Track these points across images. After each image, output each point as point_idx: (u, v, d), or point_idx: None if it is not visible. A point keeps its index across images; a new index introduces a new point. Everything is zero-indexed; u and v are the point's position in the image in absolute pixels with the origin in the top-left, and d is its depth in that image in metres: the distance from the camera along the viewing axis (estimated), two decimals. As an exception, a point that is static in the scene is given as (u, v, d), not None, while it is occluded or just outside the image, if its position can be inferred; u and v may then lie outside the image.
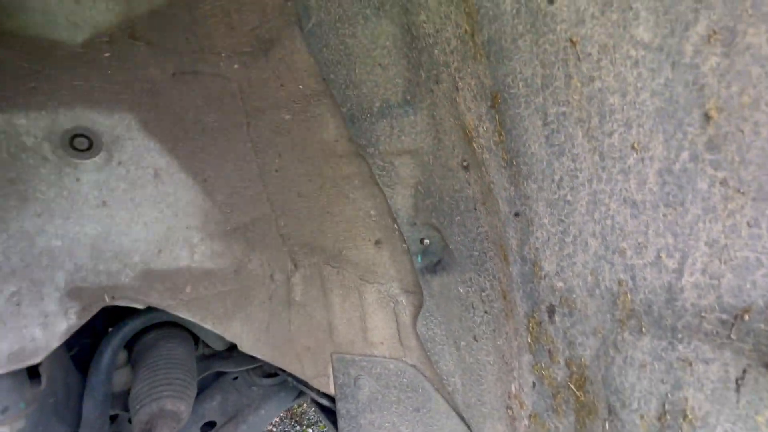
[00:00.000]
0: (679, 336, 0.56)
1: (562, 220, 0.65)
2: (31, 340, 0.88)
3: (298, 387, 1.43)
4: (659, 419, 0.60)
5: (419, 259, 1.07)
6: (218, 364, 1.58)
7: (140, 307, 1.06)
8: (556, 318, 0.72)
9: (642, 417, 0.62)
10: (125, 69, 0.89)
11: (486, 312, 0.93)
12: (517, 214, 0.72)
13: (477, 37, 0.64)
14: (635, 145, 0.53)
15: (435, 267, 1.05)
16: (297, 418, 3.08)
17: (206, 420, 1.49)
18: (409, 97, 0.84)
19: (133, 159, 0.94)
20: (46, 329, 0.90)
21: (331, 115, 0.96)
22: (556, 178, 0.63)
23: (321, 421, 3.06)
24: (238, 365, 1.57)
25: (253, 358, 1.55)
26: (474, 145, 0.75)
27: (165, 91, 0.94)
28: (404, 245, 1.09)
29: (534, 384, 0.83)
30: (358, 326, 1.26)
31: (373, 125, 0.90)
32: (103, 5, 0.83)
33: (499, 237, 0.81)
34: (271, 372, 1.65)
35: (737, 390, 0.52)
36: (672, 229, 0.52)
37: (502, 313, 0.88)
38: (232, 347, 1.64)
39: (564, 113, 0.59)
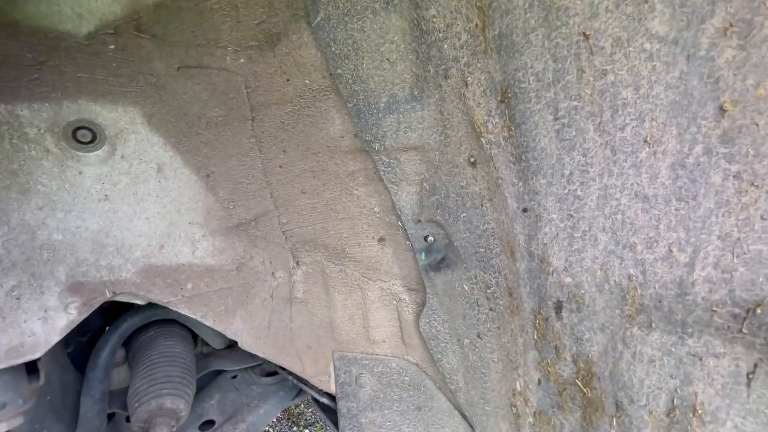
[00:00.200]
0: (690, 331, 0.56)
1: (572, 215, 0.65)
2: (30, 335, 0.87)
3: (298, 386, 1.42)
4: (668, 414, 0.60)
5: (423, 256, 1.06)
6: (217, 362, 1.57)
7: (141, 302, 1.05)
8: (564, 314, 0.72)
9: (651, 413, 0.62)
10: (130, 62, 0.88)
11: (491, 309, 0.93)
12: (525, 210, 0.72)
13: (488, 32, 0.64)
14: (648, 139, 0.53)
15: (439, 264, 1.04)
16: (294, 419, 3.06)
17: (205, 419, 1.48)
18: (416, 93, 0.84)
19: (136, 153, 0.93)
20: (46, 324, 0.88)
21: (336, 110, 0.96)
22: (566, 173, 0.63)
23: (318, 422, 3.04)
24: (237, 364, 1.56)
25: (252, 357, 1.54)
26: (482, 140, 0.75)
27: (170, 85, 0.93)
28: (408, 243, 1.09)
29: (539, 381, 0.83)
30: (360, 324, 1.25)
31: (379, 121, 0.90)
32: (109, -4, 0.83)
33: (506, 233, 0.80)
34: (270, 371, 1.64)
35: (748, 384, 0.52)
36: (684, 223, 0.52)
37: (507, 310, 0.88)
38: (231, 346, 1.63)
39: (575, 107, 0.59)
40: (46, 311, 0.88)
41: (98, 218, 0.92)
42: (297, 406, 3.21)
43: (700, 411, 0.56)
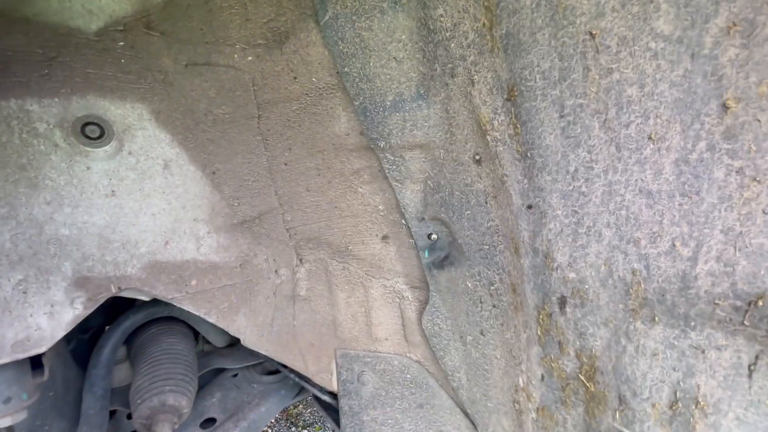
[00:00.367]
0: (692, 324, 0.57)
1: (576, 212, 0.66)
2: (36, 329, 0.87)
3: (300, 384, 1.42)
4: (671, 407, 0.61)
5: (426, 254, 1.07)
6: (218, 360, 1.57)
7: (145, 298, 1.06)
8: (567, 309, 0.73)
9: (654, 405, 0.63)
10: (139, 59, 0.89)
11: (494, 306, 0.94)
12: (530, 207, 0.73)
13: (495, 31, 0.66)
14: (652, 136, 0.54)
15: (442, 262, 1.05)
16: (293, 419, 3.05)
17: (206, 417, 1.48)
18: (422, 91, 0.85)
19: (143, 149, 0.94)
20: (52, 318, 0.89)
21: (343, 108, 0.97)
22: (571, 169, 0.64)
23: (317, 423, 3.04)
24: (238, 362, 1.56)
25: (253, 355, 1.55)
26: (488, 138, 0.76)
27: (177, 82, 0.94)
28: (411, 240, 1.10)
29: (543, 376, 0.84)
30: (363, 322, 1.26)
31: (385, 119, 0.91)
32: (119, -6, 0.84)
33: (510, 230, 0.82)
34: (271, 369, 1.64)
35: (749, 376, 0.53)
36: (687, 217, 0.54)
37: (510, 306, 0.89)
38: (233, 344, 1.63)
39: (581, 105, 0.60)
40: (52, 306, 0.89)
41: (105, 213, 0.93)
42: (296, 406, 3.20)
43: (702, 403, 0.57)
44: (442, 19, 0.73)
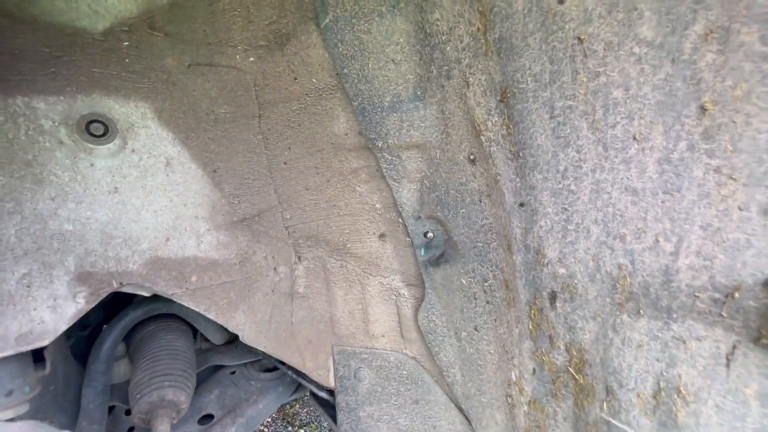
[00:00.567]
0: (674, 316, 0.60)
1: (566, 209, 0.69)
2: (40, 323, 0.89)
3: (298, 380, 1.44)
4: (655, 396, 0.64)
5: (422, 252, 1.10)
6: (216, 357, 1.59)
7: (146, 294, 1.07)
8: (558, 304, 0.76)
9: (638, 395, 0.66)
10: (143, 59, 0.92)
11: (488, 302, 0.96)
12: (522, 204, 0.76)
13: (489, 35, 0.68)
14: (636, 136, 0.57)
15: (438, 260, 1.08)
16: (289, 419, 3.06)
17: (204, 413, 1.49)
18: (419, 92, 0.88)
19: (146, 147, 0.96)
20: (55, 312, 0.90)
21: (342, 108, 0.99)
22: (561, 168, 0.67)
23: (313, 422, 3.05)
24: (236, 359, 1.58)
25: (251, 353, 1.57)
26: (482, 138, 0.79)
27: (180, 82, 0.96)
28: (407, 239, 1.12)
29: (534, 370, 0.86)
30: (360, 319, 1.28)
31: (383, 119, 0.93)
32: (125, -5, 0.86)
33: (503, 227, 0.84)
34: (269, 367, 1.66)
35: (727, 365, 0.56)
36: (669, 214, 0.57)
37: (503, 302, 0.92)
38: (230, 342, 1.65)
39: (570, 107, 0.63)
40: (55, 300, 0.90)
41: (108, 210, 0.94)
42: (292, 406, 3.21)
43: (683, 392, 0.60)
44: (438, 23, 0.76)
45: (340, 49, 0.89)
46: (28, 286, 0.87)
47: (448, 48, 0.76)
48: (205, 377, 1.64)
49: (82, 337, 1.47)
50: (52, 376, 1.11)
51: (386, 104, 0.92)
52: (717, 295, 0.54)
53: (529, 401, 0.90)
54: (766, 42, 0.45)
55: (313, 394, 1.51)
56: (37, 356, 1.01)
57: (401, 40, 0.83)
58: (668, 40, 0.51)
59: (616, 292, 0.66)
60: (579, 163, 0.65)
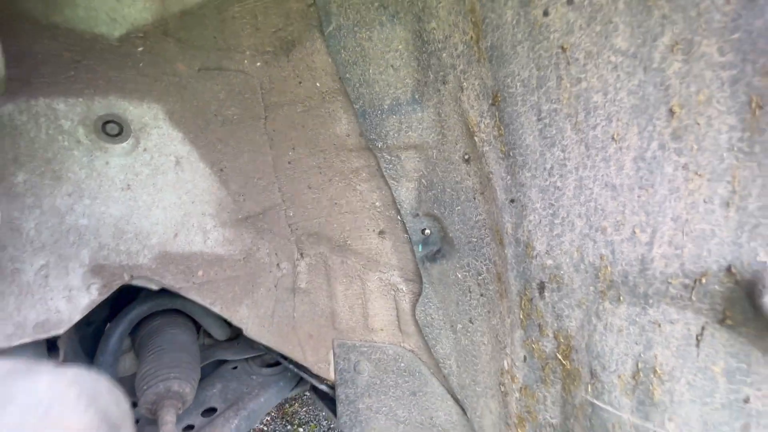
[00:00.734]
0: (650, 301, 0.65)
1: (552, 204, 0.74)
2: (56, 312, 0.93)
3: (299, 374, 1.48)
4: (634, 377, 0.69)
5: (420, 248, 1.15)
6: (219, 353, 1.63)
7: (155, 288, 1.12)
8: (546, 293, 0.81)
9: (619, 377, 0.71)
10: (156, 63, 0.97)
11: (482, 294, 1.02)
12: (512, 201, 0.81)
13: (481, 43, 0.74)
14: (615, 137, 0.63)
15: (434, 255, 1.13)
16: (288, 418, 3.09)
17: (207, 406, 1.53)
18: (417, 96, 0.93)
19: (157, 146, 1.01)
20: (70, 302, 0.95)
21: (344, 111, 1.05)
22: (548, 166, 0.73)
23: (312, 421, 3.08)
24: (238, 355, 1.62)
25: (253, 348, 1.61)
26: (475, 139, 0.84)
27: (191, 85, 1.02)
28: (406, 235, 1.17)
29: (525, 358, 0.91)
30: (360, 313, 1.33)
31: (383, 121, 0.99)
32: (141, 4, 0.91)
33: (495, 223, 0.90)
34: (270, 362, 1.70)
35: (697, 345, 0.61)
36: (645, 207, 0.62)
37: (496, 294, 0.97)
38: (232, 338, 1.69)
39: (555, 110, 0.68)
40: (70, 290, 0.95)
41: (120, 206, 0.99)
42: (291, 405, 3.24)
43: (659, 372, 0.65)
44: (434, 31, 0.81)
45: (343, 56, 0.95)
46: (45, 277, 0.92)
47: (444, 55, 0.82)
48: (207, 372, 1.68)
49: (87, 333, 1.51)
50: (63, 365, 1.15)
51: (386, 107, 0.97)
52: (687, 281, 0.60)
53: (521, 388, 0.95)
54: (724, 53, 0.51)
55: (313, 388, 1.55)
56: (51, 346, 1.05)
57: (400, 47, 0.89)
58: (640, 50, 0.57)
59: (598, 281, 0.71)
60: (564, 162, 0.70)
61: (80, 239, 0.95)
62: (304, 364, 1.37)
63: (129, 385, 1.40)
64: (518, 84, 0.72)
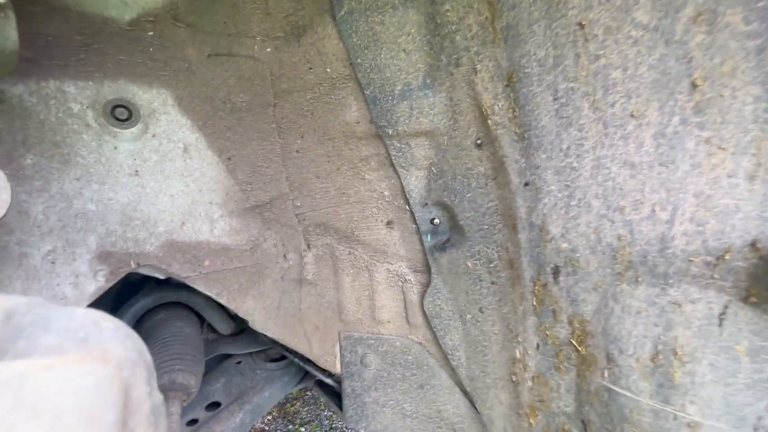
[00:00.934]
0: (670, 281, 0.64)
1: (568, 186, 0.73)
2: (62, 298, 0.92)
3: (304, 367, 1.47)
4: (652, 360, 0.68)
5: (429, 238, 1.14)
6: (223, 347, 1.61)
7: (161, 276, 1.11)
8: (561, 278, 0.80)
9: (638, 360, 0.70)
10: (165, 48, 0.96)
11: (493, 282, 1.01)
12: (527, 184, 0.81)
13: (496, 23, 0.74)
14: (634, 113, 0.62)
15: (444, 245, 1.12)
16: (290, 417, 3.07)
17: (211, 400, 1.52)
18: (429, 81, 0.93)
19: (166, 132, 1.01)
20: (77, 289, 0.94)
21: (354, 97, 1.04)
22: (564, 147, 0.72)
23: (314, 421, 3.06)
24: (242, 349, 1.61)
25: (257, 343, 1.59)
26: (489, 122, 0.84)
27: (200, 71, 1.01)
28: (414, 225, 1.17)
29: (538, 345, 0.90)
30: (367, 305, 1.32)
31: (394, 107, 0.98)
32: (151, -12, 0.91)
33: (508, 208, 0.89)
34: (275, 357, 1.69)
35: (720, 324, 0.60)
36: (665, 185, 0.61)
37: (508, 281, 0.96)
38: (236, 332, 1.67)
39: (572, 88, 0.68)
40: (77, 277, 0.94)
41: (128, 192, 0.98)
42: (293, 404, 3.22)
43: (680, 353, 0.64)
44: (448, 13, 0.81)
45: (354, 40, 0.94)
46: (52, 263, 0.91)
47: (458, 37, 0.81)
48: (211, 367, 1.66)
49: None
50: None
51: (397, 92, 0.97)
52: (709, 259, 0.59)
53: (533, 376, 0.93)
54: (749, 22, 0.50)
55: (318, 382, 1.53)
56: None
57: (413, 30, 0.89)
58: (662, 23, 0.56)
59: (616, 262, 0.70)
60: (581, 141, 0.69)
61: (88, 225, 0.94)
62: (310, 357, 1.36)
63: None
64: (534, 64, 0.71)
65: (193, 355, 1.34)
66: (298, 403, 3.21)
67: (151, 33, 0.94)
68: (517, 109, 0.77)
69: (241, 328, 1.62)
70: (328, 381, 1.45)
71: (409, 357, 1.29)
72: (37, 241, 0.89)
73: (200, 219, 1.10)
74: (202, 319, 1.59)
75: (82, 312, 0.24)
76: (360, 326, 1.34)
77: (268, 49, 1.02)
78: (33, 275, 0.89)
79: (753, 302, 0.57)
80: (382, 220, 1.21)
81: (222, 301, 1.17)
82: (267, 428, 3.04)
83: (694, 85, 0.56)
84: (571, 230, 0.75)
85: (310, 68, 1.03)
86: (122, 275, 1.00)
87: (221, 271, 1.17)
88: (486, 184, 0.93)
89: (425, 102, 0.95)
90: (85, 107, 0.90)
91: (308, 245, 1.31)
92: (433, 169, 1.05)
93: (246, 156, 1.14)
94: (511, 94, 0.77)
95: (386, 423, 1.36)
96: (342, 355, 1.37)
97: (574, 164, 0.71)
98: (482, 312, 1.06)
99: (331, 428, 3.02)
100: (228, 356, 1.70)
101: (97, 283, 0.97)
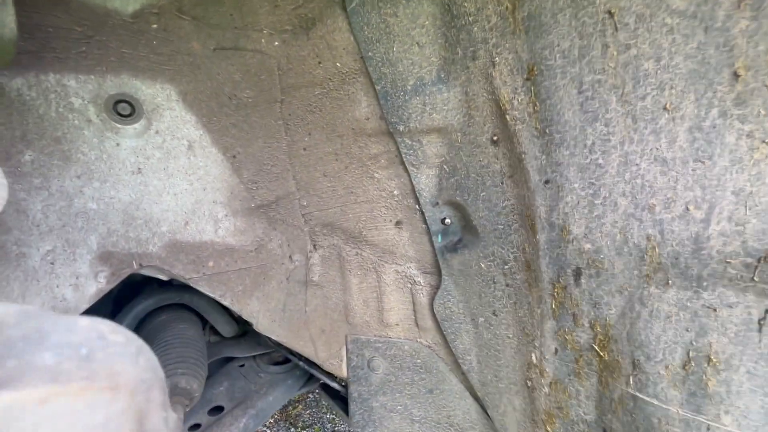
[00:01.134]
0: (704, 284, 0.61)
1: (593, 183, 0.70)
2: (62, 300, 0.89)
3: (309, 371, 1.43)
4: (684, 367, 0.64)
5: (440, 238, 1.11)
6: (226, 350, 1.58)
7: (164, 278, 1.07)
8: (582, 280, 0.76)
9: (667, 367, 0.66)
10: (170, 41, 0.93)
11: (507, 285, 0.97)
12: (547, 182, 0.77)
13: (517, 13, 0.70)
14: (667, 106, 0.58)
15: (455, 245, 1.08)
16: (292, 420, 3.03)
17: (214, 404, 1.48)
18: (443, 75, 0.89)
19: (169, 129, 0.97)
20: (77, 291, 0.90)
21: (364, 93, 1.01)
22: (589, 143, 0.68)
23: (316, 424, 3.02)
24: (245, 352, 1.57)
25: (260, 346, 1.56)
26: (507, 117, 0.80)
27: (205, 65, 0.98)
28: (424, 226, 1.13)
29: (556, 350, 0.86)
30: (375, 307, 1.28)
31: (406, 102, 0.95)
32: (155, -22, 0.88)
33: (526, 208, 0.85)
34: (278, 360, 1.65)
35: (759, 330, 0.57)
36: (700, 182, 0.58)
37: (524, 284, 0.92)
38: (239, 335, 1.64)
39: (599, 81, 0.64)
40: (77, 278, 0.90)
41: (130, 190, 0.95)
42: (295, 407, 3.18)
43: (714, 360, 0.61)
44: (466, 4, 0.78)
45: (366, 33, 0.91)
46: (51, 263, 0.87)
47: (475, 28, 0.78)
48: (213, 370, 1.63)
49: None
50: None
51: (409, 87, 0.93)
52: (749, 260, 0.55)
53: (551, 382, 0.90)
54: (800, 6, 0.47)
55: (323, 386, 1.50)
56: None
57: (427, 22, 0.85)
58: (701, 8, 0.53)
59: (644, 264, 0.67)
60: (607, 137, 0.66)
61: (89, 224, 0.91)
62: (316, 361, 1.32)
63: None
64: (557, 55, 0.68)
65: (195, 359, 1.31)
66: (300, 406, 3.18)
67: (155, 26, 0.91)
68: (537, 104, 0.73)
69: (244, 330, 1.59)
70: (334, 385, 1.41)
71: (418, 361, 1.26)
72: (36, 241, 0.86)
73: (204, 219, 1.07)
74: (204, 321, 1.55)
75: (85, 322, 0.20)
76: (367, 329, 1.31)
77: (276, 43, 0.98)
78: (32, 276, 0.86)
79: (797, 307, 0.53)
80: (391, 220, 1.18)
81: (226, 303, 1.14)
82: (269, 431, 3.00)
83: (735, 75, 0.52)
84: (594, 230, 0.72)
85: (319, 62, 0.99)
86: (124, 276, 0.97)
87: (225, 273, 1.14)
88: (502, 182, 0.90)
89: (439, 97, 0.91)
90: (86, 102, 0.87)
91: (314, 246, 1.28)
92: (445, 167, 1.02)
93: (252, 154, 1.10)
94: (532, 88, 0.73)
95: (394, 428, 1.32)
96: (348, 359, 1.33)
97: (600, 161, 0.68)
98: (496, 315, 1.03)
99: (334, 431, 2.99)
100: (231, 359, 1.66)
101: (98, 284, 0.93)
